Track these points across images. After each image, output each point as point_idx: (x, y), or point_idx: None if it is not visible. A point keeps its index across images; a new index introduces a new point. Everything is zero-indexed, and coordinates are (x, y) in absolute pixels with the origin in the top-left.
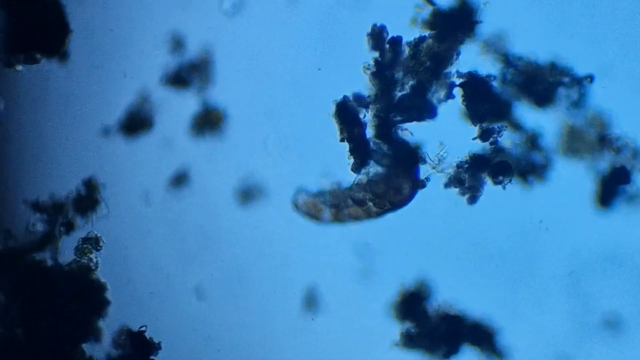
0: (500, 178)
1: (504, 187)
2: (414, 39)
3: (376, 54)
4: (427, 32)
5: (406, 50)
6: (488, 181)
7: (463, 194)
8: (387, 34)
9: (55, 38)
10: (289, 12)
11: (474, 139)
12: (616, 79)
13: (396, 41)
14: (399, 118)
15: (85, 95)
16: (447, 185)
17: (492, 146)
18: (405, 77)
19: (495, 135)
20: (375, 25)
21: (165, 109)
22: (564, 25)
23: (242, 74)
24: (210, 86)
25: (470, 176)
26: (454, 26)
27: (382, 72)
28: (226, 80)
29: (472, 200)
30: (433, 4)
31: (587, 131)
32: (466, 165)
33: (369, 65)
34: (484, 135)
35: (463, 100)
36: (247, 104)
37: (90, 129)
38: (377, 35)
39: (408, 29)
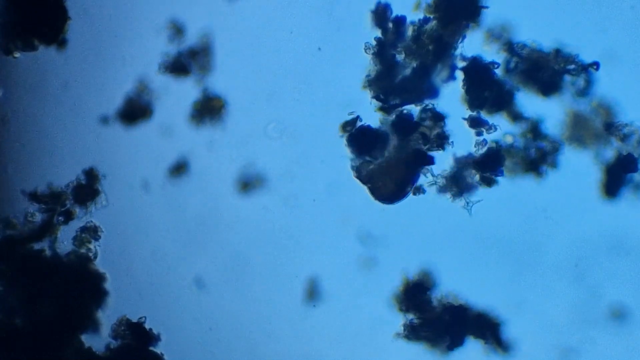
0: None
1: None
2: (418, 19)
3: (378, 33)
4: (431, 16)
5: (409, 31)
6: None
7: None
8: (391, 12)
9: (53, 25)
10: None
11: (464, 119)
12: (622, 66)
13: (400, 20)
14: (398, 100)
15: (84, 83)
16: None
17: (478, 137)
18: (407, 58)
19: (485, 128)
20: (379, 2)
21: (165, 97)
22: (568, 12)
23: (243, 60)
24: (210, 73)
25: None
26: (459, 11)
27: (384, 52)
28: (227, 67)
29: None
30: None
31: (593, 119)
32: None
33: (370, 45)
34: (474, 122)
35: (464, 85)
36: (248, 91)
37: (88, 117)
38: (381, 14)
39: (411, 12)
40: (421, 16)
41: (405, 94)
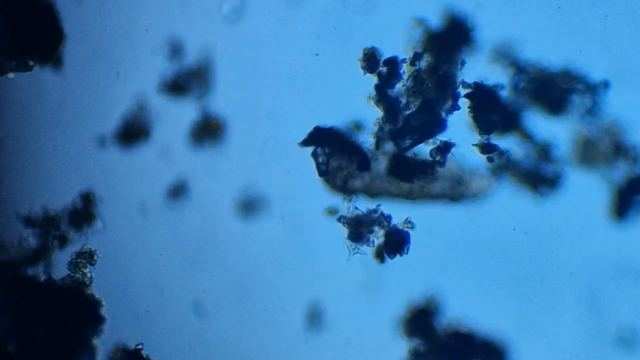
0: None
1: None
2: (412, 55)
3: (374, 79)
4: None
5: (405, 70)
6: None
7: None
8: (381, 55)
9: (49, 44)
10: (291, 17)
11: (474, 145)
12: (632, 85)
13: (391, 61)
14: (408, 141)
15: (80, 103)
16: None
17: (490, 162)
18: (409, 97)
19: (495, 154)
20: (366, 48)
21: (163, 118)
22: (576, 31)
23: (243, 81)
24: (209, 94)
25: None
26: (451, 41)
27: (384, 96)
28: (226, 88)
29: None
30: (423, 23)
31: (602, 140)
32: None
33: (371, 95)
34: (484, 148)
35: (470, 112)
36: (248, 112)
37: (85, 138)
38: (370, 58)
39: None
40: (412, 53)
41: (416, 133)
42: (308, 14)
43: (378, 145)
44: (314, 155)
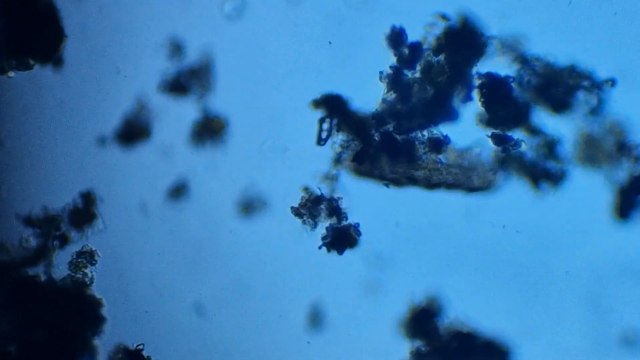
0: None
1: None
2: (436, 45)
3: (393, 59)
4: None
5: (424, 57)
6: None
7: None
8: (406, 36)
9: (49, 43)
10: (292, 15)
11: (488, 137)
12: (637, 84)
13: (416, 46)
14: (414, 124)
15: (81, 103)
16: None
17: (503, 154)
18: (422, 85)
19: (510, 145)
20: (394, 27)
21: (164, 117)
22: (583, 28)
23: (244, 80)
24: (210, 93)
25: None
26: (467, 43)
27: (399, 78)
28: (227, 87)
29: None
30: (447, 19)
31: (606, 138)
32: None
33: (385, 73)
34: (497, 139)
35: (482, 103)
36: (249, 111)
37: (85, 138)
38: (396, 38)
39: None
40: (437, 43)
41: (422, 118)
42: (309, 13)
43: (378, 125)
44: (321, 121)
